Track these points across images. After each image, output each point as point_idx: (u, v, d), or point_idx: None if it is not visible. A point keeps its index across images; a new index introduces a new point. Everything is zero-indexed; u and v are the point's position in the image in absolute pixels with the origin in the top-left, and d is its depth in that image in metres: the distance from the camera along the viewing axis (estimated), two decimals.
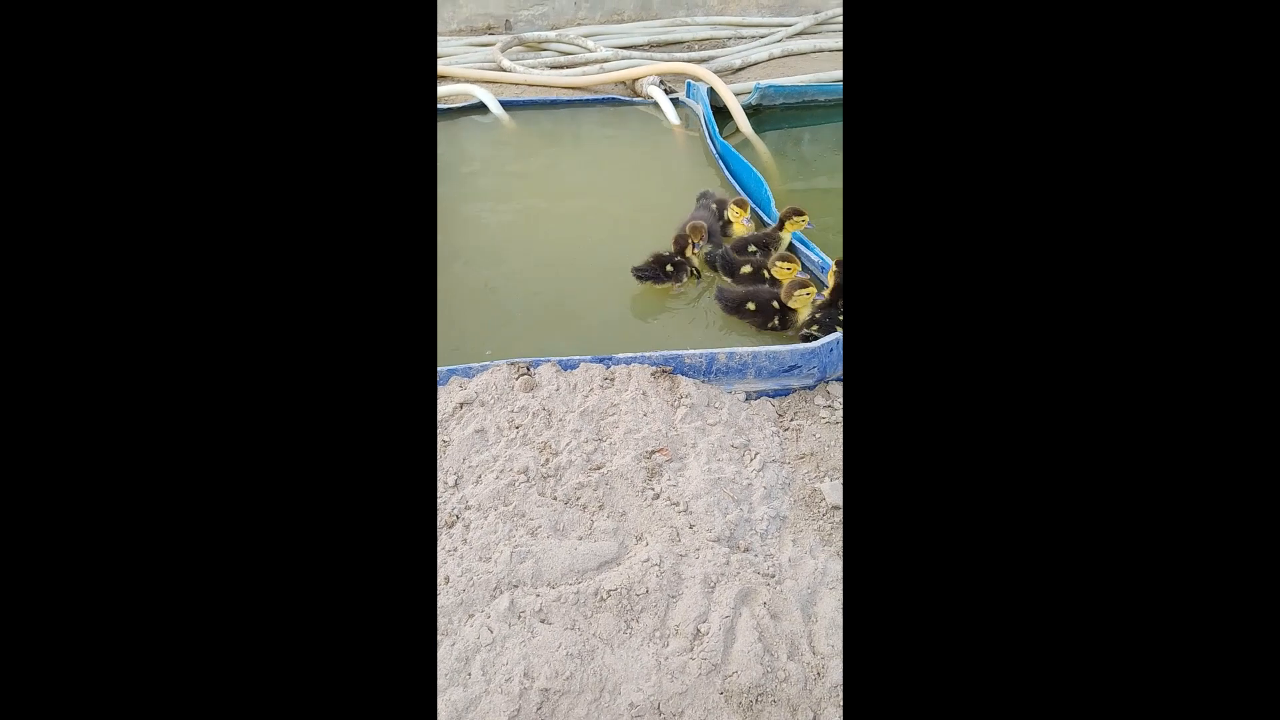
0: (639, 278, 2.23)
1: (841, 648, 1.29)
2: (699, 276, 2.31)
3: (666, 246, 2.32)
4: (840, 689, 1.24)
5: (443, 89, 3.99)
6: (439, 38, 4.97)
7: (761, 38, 5.29)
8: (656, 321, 2.25)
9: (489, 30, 5.35)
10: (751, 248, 2.33)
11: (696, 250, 2.32)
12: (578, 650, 1.25)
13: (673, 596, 1.34)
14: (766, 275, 2.17)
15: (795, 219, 2.33)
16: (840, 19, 5.53)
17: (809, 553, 1.44)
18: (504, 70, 4.33)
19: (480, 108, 3.87)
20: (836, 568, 1.42)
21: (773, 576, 1.39)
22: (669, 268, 2.25)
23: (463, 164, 3.38)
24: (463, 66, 4.40)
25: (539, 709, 1.19)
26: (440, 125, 3.61)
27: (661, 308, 2.29)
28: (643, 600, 1.33)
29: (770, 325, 2.03)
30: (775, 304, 2.01)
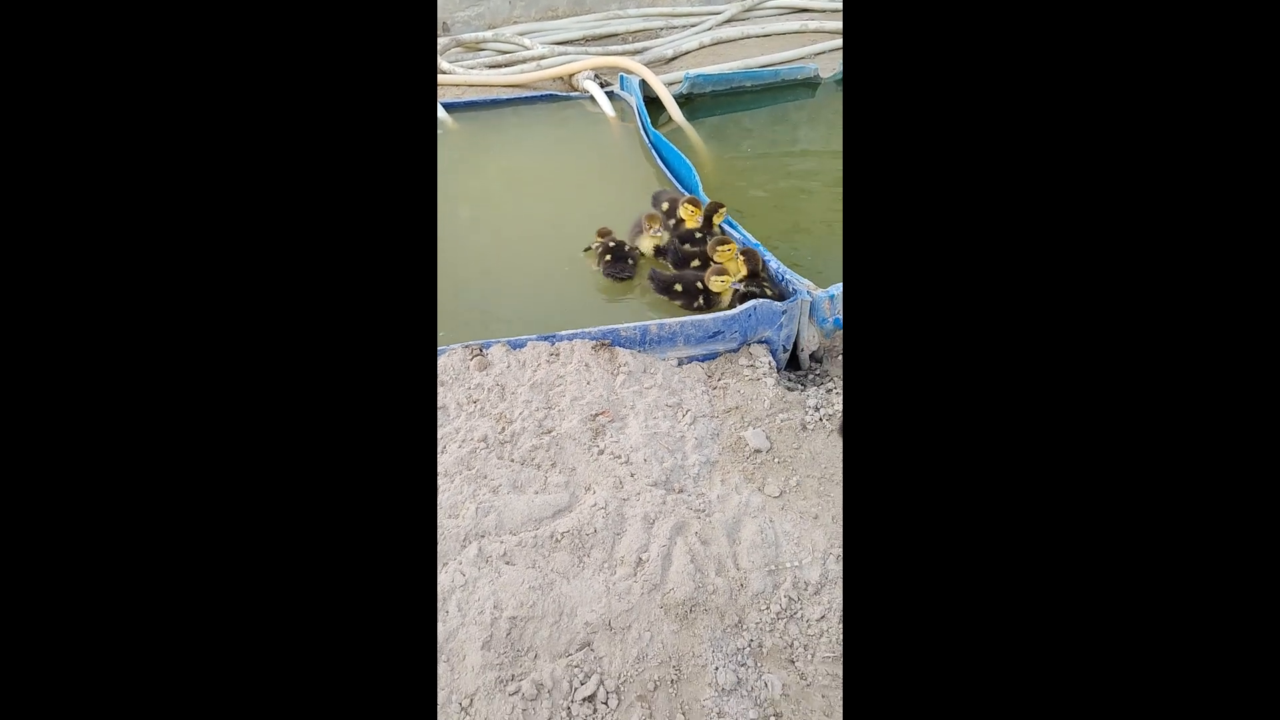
0: (613, 277, 2.45)
1: (841, 606, 1.53)
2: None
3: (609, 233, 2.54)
4: (765, 601, 1.47)
5: None
6: None
7: (693, 26, 5.49)
8: (596, 301, 2.45)
9: None
10: (698, 233, 2.54)
11: (656, 234, 2.53)
12: (539, 584, 1.46)
13: (618, 534, 1.56)
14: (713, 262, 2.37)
15: (719, 211, 2.56)
16: (767, 5, 5.75)
17: (734, 490, 1.68)
18: (443, 73, 4.45)
19: None
20: (758, 500, 1.65)
21: (703, 511, 1.62)
22: (630, 261, 2.46)
23: None
24: None
25: (508, 634, 1.40)
26: None
27: (600, 290, 2.49)
28: (592, 539, 1.55)
29: (695, 305, 2.25)
30: (699, 285, 2.23)
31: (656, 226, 2.59)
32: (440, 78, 4.37)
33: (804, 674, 1.35)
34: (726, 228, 2.58)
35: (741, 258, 2.26)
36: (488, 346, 1.92)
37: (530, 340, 1.92)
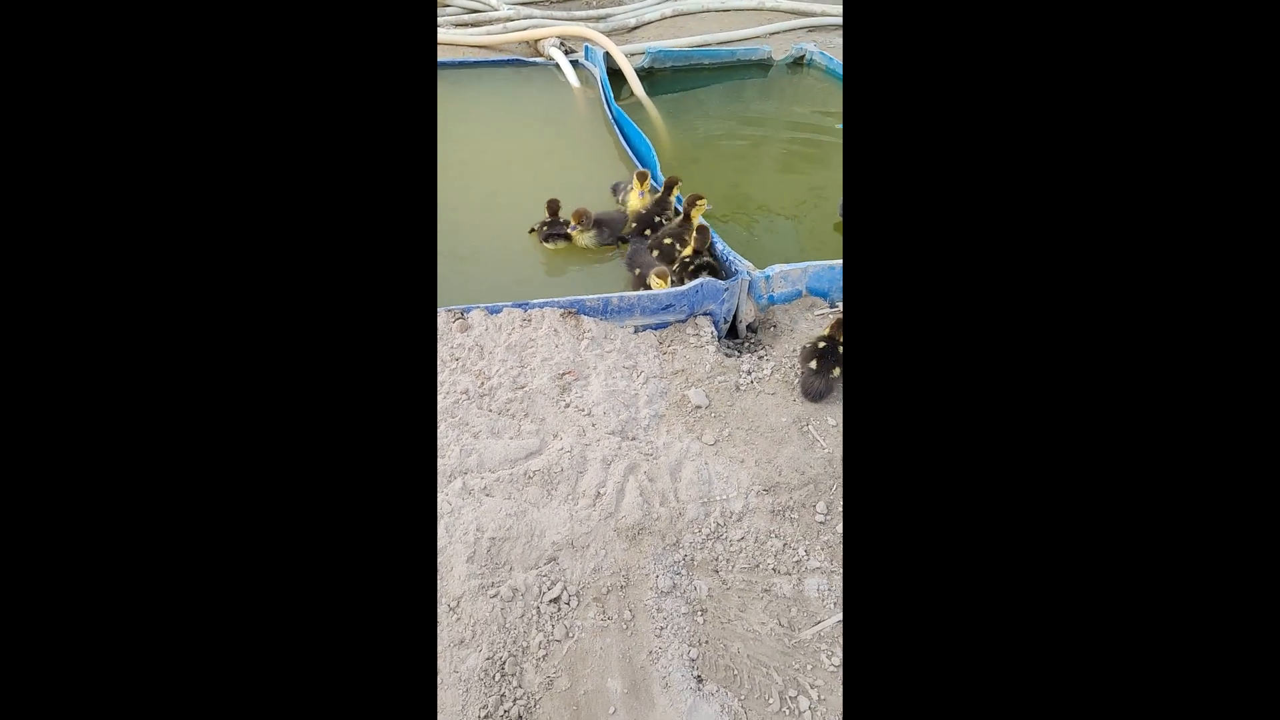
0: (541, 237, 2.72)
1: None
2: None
3: (571, 204, 2.80)
4: (698, 525, 1.83)
5: None
6: None
7: None
8: (564, 274, 2.73)
9: None
10: (668, 239, 2.66)
11: (579, 229, 2.75)
12: (514, 511, 1.78)
13: (580, 472, 1.89)
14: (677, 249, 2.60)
15: (699, 204, 2.64)
16: None
17: (678, 438, 2.02)
18: None
19: None
20: (697, 446, 2.00)
21: (651, 455, 1.96)
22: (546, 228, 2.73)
23: None
24: None
25: (489, 551, 1.72)
26: None
27: (569, 262, 2.76)
28: (559, 476, 1.87)
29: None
30: (646, 284, 2.46)
31: (644, 188, 2.84)
32: None
33: (725, 580, 1.72)
34: (680, 204, 2.87)
35: (696, 235, 2.54)
36: (468, 311, 2.18)
37: (506, 306, 2.19)
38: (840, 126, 3.90)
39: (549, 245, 2.75)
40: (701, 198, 2.66)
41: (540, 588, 1.67)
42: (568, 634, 1.60)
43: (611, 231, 2.79)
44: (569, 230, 2.73)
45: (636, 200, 2.87)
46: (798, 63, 4.54)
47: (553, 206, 2.74)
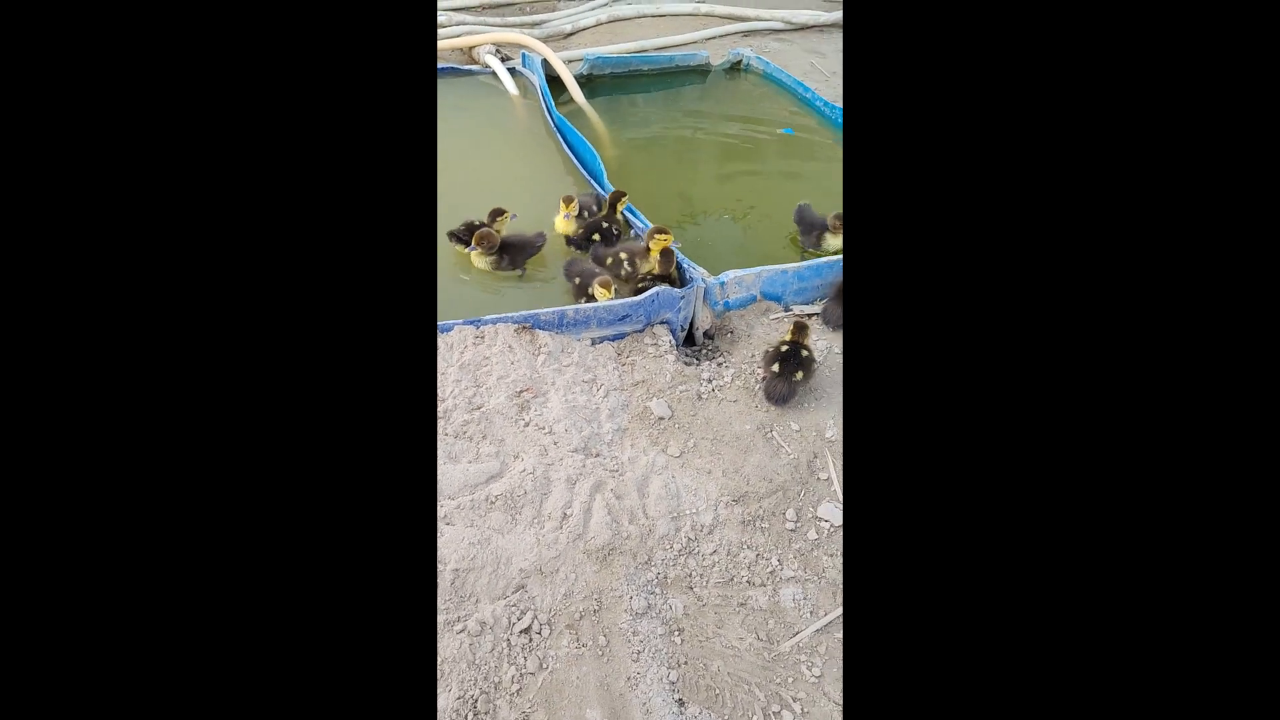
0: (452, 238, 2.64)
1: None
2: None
3: (521, 213, 2.72)
4: (669, 541, 1.78)
5: None
6: None
7: (590, 1, 5.57)
8: (508, 287, 2.64)
9: None
10: (624, 254, 2.58)
11: (568, 218, 2.70)
12: (477, 540, 1.70)
13: (544, 494, 1.82)
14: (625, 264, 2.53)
15: (659, 239, 2.49)
16: None
17: (642, 452, 1.98)
18: None
19: None
20: (662, 460, 1.96)
21: (616, 471, 1.91)
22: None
23: None
24: None
25: (453, 584, 1.63)
26: None
27: (516, 276, 2.68)
28: (523, 499, 1.79)
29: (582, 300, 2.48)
30: (589, 293, 2.40)
31: (570, 210, 2.75)
32: None
33: (700, 597, 1.69)
34: (629, 215, 2.83)
35: (660, 259, 2.47)
36: None
37: (456, 324, 2.10)
38: (783, 130, 3.94)
39: (457, 247, 2.66)
40: (666, 233, 2.49)
41: (510, 619, 1.59)
42: (541, 665, 1.53)
43: (513, 259, 2.60)
44: (467, 249, 2.57)
45: (563, 223, 2.74)
46: (735, 67, 4.58)
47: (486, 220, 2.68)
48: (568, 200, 2.74)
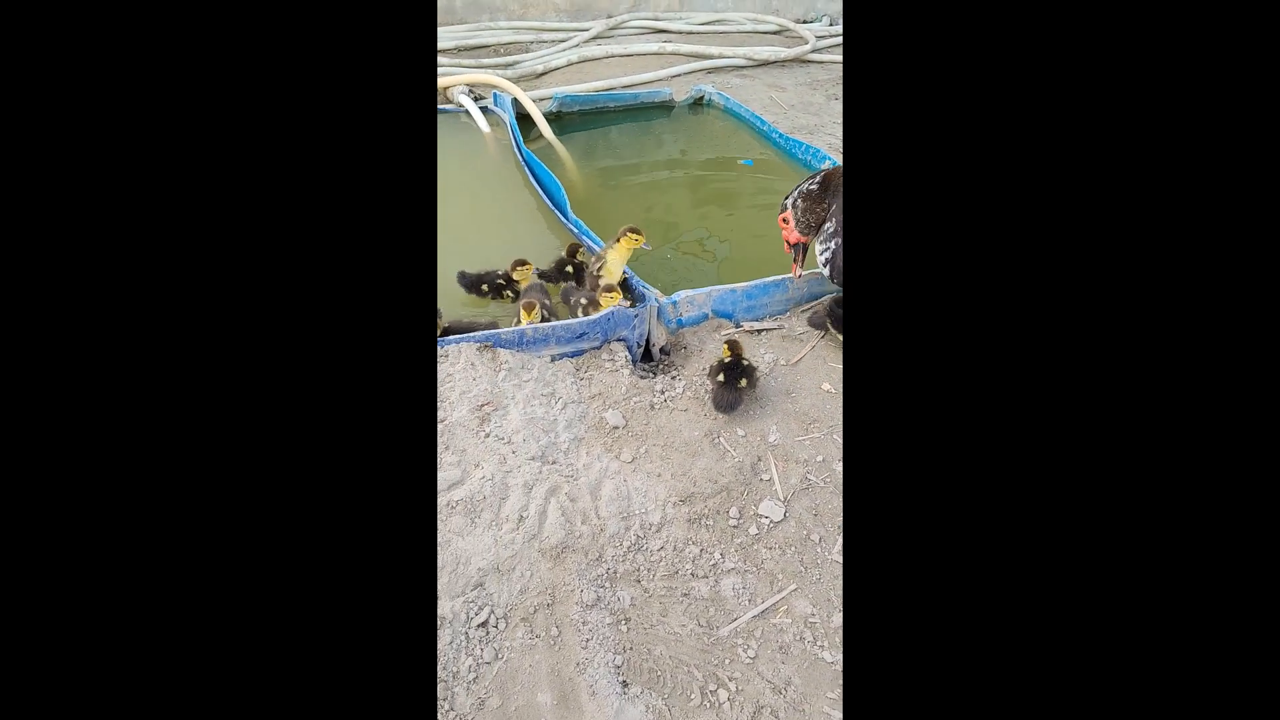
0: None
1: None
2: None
3: (488, 249, 2.88)
4: (619, 539, 1.91)
5: None
6: None
7: (561, 41, 5.85)
8: (478, 310, 2.80)
9: None
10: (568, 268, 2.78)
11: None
12: (439, 542, 1.82)
13: (503, 498, 1.95)
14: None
15: (631, 235, 2.62)
16: (628, 25, 6.22)
17: (597, 458, 2.11)
18: None
19: None
20: (615, 465, 2.10)
21: (571, 476, 2.04)
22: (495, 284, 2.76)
23: None
24: None
25: None
26: None
27: (482, 303, 2.84)
28: (482, 504, 1.92)
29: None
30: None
31: (528, 270, 2.79)
32: None
33: (647, 589, 1.81)
34: (584, 237, 3.00)
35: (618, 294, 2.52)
36: None
37: None
38: (743, 161, 4.17)
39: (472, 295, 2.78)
40: (638, 233, 2.59)
41: (468, 614, 1.71)
42: (497, 655, 1.65)
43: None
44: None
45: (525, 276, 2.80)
46: (698, 103, 4.83)
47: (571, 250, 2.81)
48: (521, 262, 2.76)
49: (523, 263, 2.74)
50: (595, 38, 5.96)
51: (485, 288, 2.73)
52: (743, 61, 5.75)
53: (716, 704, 1.59)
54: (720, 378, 2.25)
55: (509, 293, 2.76)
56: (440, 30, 5.71)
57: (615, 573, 1.84)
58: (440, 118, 4.36)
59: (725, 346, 2.29)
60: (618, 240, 2.67)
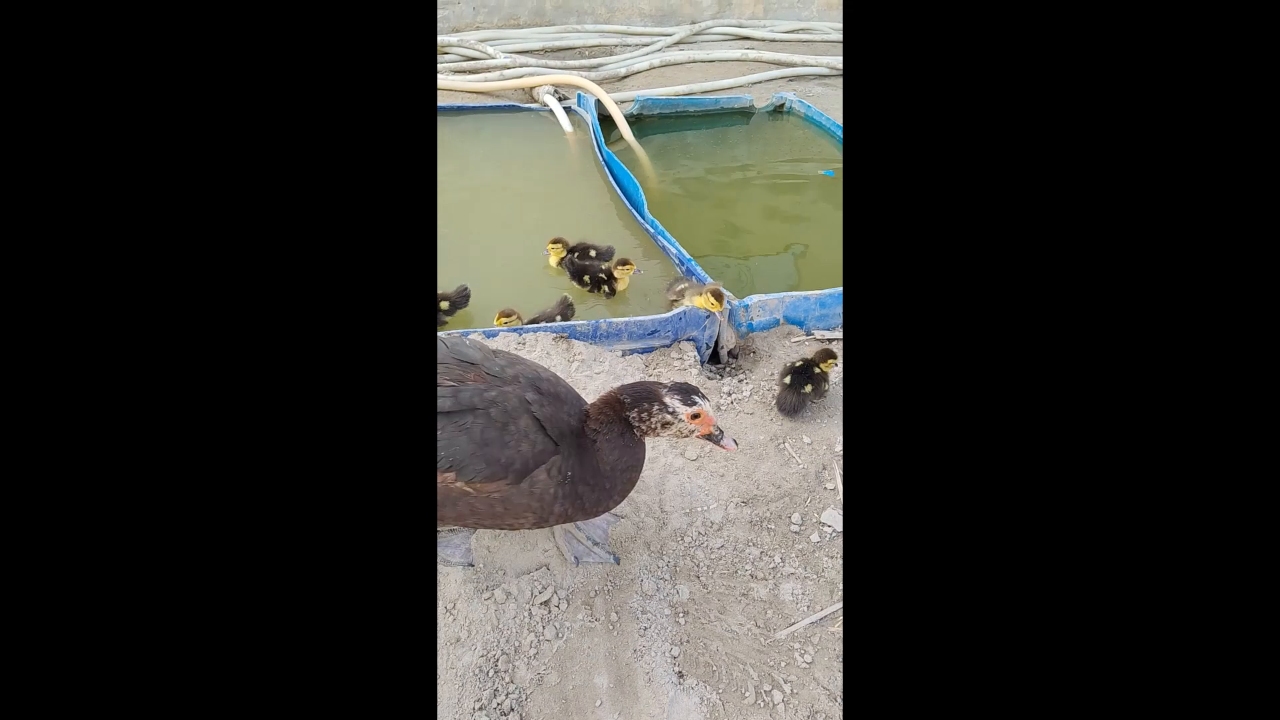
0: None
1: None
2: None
3: (566, 238, 2.98)
4: (681, 534, 1.94)
5: None
6: None
7: (644, 46, 5.94)
8: (545, 296, 2.89)
9: None
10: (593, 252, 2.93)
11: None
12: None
13: None
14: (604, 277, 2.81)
15: (624, 267, 2.83)
16: (712, 31, 6.25)
17: (662, 454, 2.15)
18: None
19: None
20: (680, 462, 2.13)
21: None
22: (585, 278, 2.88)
23: None
24: None
25: (483, 562, 1.82)
26: None
27: (556, 291, 2.93)
28: None
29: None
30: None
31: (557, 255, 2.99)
32: None
33: (706, 585, 1.84)
34: (659, 237, 3.05)
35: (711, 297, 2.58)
36: (466, 335, 2.33)
37: (502, 331, 2.34)
38: (824, 172, 4.14)
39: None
40: (628, 264, 2.83)
41: (532, 591, 1.77)
42: (557, 634, 1.70)
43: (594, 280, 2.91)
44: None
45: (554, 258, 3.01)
46: (778, 110, 4.82)
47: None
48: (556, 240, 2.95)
49: (625, 262, 2.83)
50: (678, 43, 6.03)
51: (587, 279, 2.80)
52: (825, 70, 5.70)
53: (770, 704, 1.60)
54: (787, 379, 2.25)
55: (606, 288, 2.83)
56: (529, 31, 5.89)
57: (676, 566, 1.87)
58: (525, 116, 4.50)
59: (818, 351, 2.30)
60: (702, 295, 2.66)
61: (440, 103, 4.49)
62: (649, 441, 2.17)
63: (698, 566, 1.88)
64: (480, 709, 1.55)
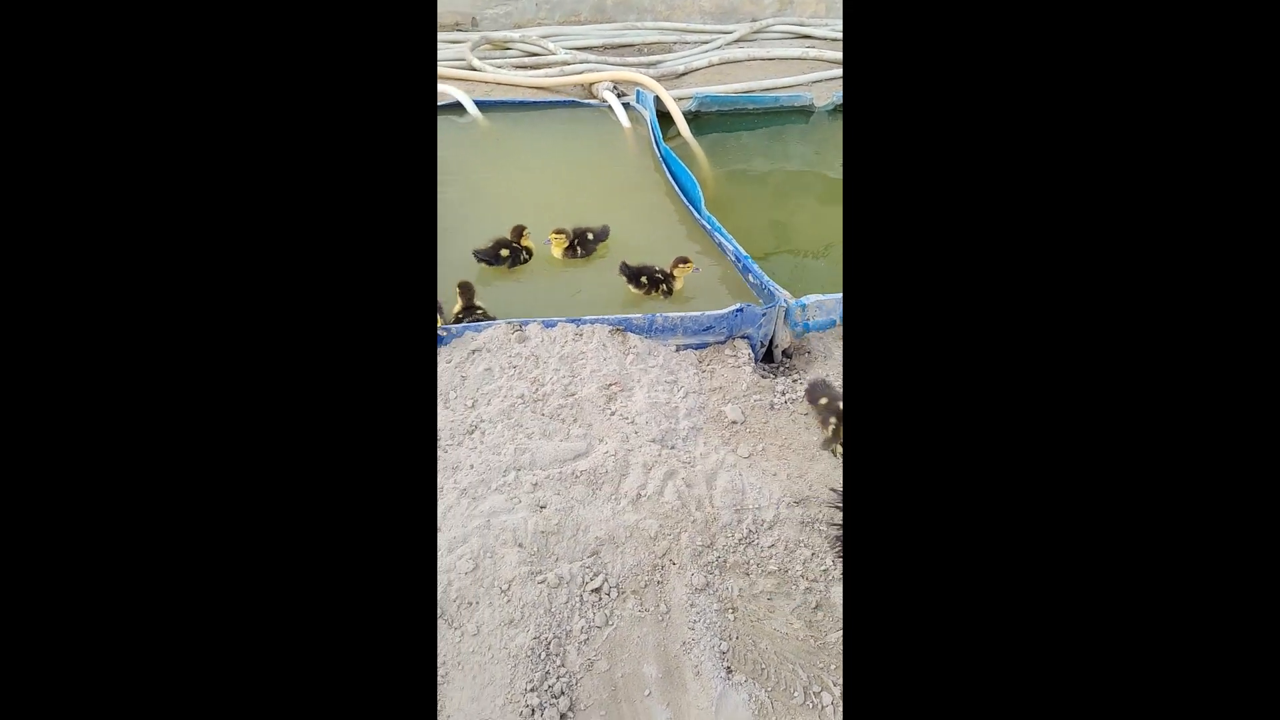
0: (478, 259, 2.88)
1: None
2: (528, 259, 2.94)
3: (622, 234, 2.98)
4: (731, 530, 1.94)
5: None
6: None
7: (704, 43, 5.92)
8: (616, 296, 2.91)
9: (456, 27, 5.80)
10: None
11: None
12: (561, 506, 1.92)
13: (623, 475, 2.03)
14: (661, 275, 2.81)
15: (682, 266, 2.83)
16: (772, 30, 6.19)
17: (714, 450, 2.15)
18: (474, 70, 4.85)
19: (457, 107, 4.38)
20: (732, 458, 2.13)
21: (688, 463, 2.09)
22: (504, 252, 2.90)
23: (445, 162, 3.92)
24: (439, 65, 4.88)
25: (536, 545, 1.86)
26: None
27: (616, 286, 2.95)
28: (603, 477, 2.01)
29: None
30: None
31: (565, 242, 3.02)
32: (471, 75, 4.77)
33: (755, 582, 1.83)
34: (716, 234, 3.04)
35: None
36: (525, 324, 2.37)
37: (560, 321, 2.38)
38: None
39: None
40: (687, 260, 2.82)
41: (583, 578, 1.80)
42: (607, 621, 1.72)
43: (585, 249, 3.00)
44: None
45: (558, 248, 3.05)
46: (838, 109, 4.75)
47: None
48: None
49: (684, 260, 2.83)
50: (738, 40, 5.98)
51: (644, 279, 2.80)
52: None
53: (819, 706, 1.59)
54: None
55: (664, 288, 2.82)
56: (589, 27, 5.94)
57: (725, 562, 1.87)
58: (584, 111, 4.54)
59: None
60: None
61: (502, 97, 4.56)
62: (698, 440, 2.17)
63: (747, 563, 1.87)
64: (532, 690, 1.58)
